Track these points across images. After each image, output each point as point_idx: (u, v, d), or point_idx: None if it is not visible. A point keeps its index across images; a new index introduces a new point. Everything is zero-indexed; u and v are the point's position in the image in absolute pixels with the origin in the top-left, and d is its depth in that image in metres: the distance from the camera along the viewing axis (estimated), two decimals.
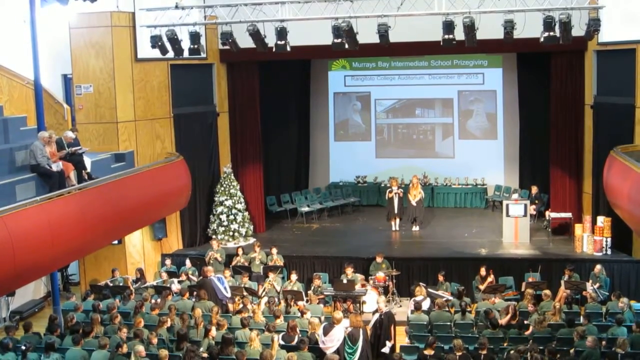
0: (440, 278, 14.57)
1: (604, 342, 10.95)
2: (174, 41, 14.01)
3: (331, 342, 11.02)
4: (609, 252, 15.61)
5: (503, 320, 12.12)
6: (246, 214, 18.08)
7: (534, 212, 18.04)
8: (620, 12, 14.86)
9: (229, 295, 13.79)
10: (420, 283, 14.16)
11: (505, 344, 11.27)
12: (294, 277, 14.73)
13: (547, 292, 13.29)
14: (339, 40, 13.18)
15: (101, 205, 12.50)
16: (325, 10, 13.61)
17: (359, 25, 13.16)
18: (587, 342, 10.26)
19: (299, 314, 12.54)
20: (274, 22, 13.51)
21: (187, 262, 15.91)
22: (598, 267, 14.40)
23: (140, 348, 10.27)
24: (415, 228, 18.31)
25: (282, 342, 11.08)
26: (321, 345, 11.05)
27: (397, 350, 11.50)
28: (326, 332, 11.12)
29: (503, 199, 18.76)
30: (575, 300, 13.31)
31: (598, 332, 11.33)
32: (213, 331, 11.10)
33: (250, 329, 11.45)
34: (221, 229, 17.65)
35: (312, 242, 17.78)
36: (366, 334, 11.26)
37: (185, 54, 14.44)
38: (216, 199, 17.85)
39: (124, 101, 15.93)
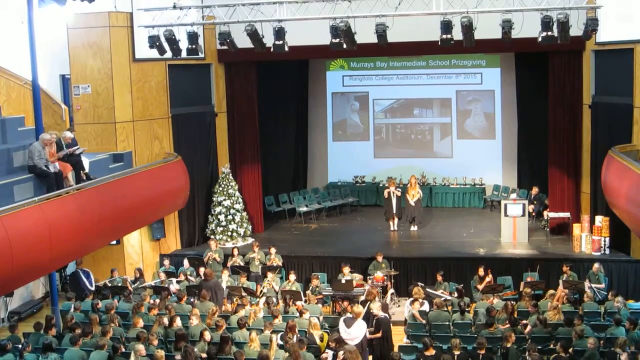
0: (439, 278, 14.58)
1: (602, 342, 10.97)
2: (172, 41, 14.00)
3: (355, 334, 11.14)
4: (607, 251, 15.63)
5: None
6: (244, 214, 18.08)
7: (532, 212, 18.04)
8: (618, 11, 14.87)
9: (92, 288, 14.61)
10: (419, 283, 14.16)
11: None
12: (292, 277, 14.73)
13: (552, 291, 13.31)
14: (337, 40, 13.18)
15: (99, 206, 12.50)
16: (323, 10, 13.62)
17: (357, 25, 13.16)
18: (589, 344, 10.27)
19: (298, 314, 12.54)
20: (272, 22, 13.51)
21: (185, 262, 15.91)
22: (596, 265, 14.41)
23: (141, 347, 10.30)
24: (414, 228, 18.32)
25: (280, 342, 11.08)
26: (345, 337, 11.09)
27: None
28: (349, 324, 11.21)
29: (501, 198, 18.79)
30: (574, 299, 13.31)
31: (597, 332, 11.35)
32: (207, 335, 11.03)
33: (249, 329, 11.46)
34: (219, 229, 17.65)
35: (311, 242, 17.78)
36: (363, 324, 11.32)
37: (183, 54, 14.43)
38: (214, 199, 17.85)
39: (122, 101, 15.92)
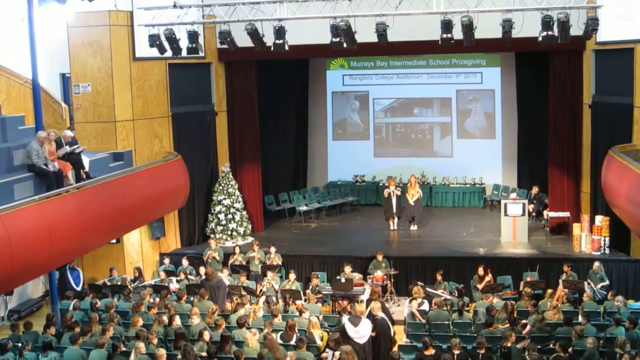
0: (439, 277, 14.58)
1: (601, 342, 10.97)
2: (172, 40, 14.00)
3: (363, 332, 11.21)
4: (607, 251, 15.62)
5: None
6: (244, 213, 18.08)
7: (532, 212, 18.05)
8: (618, 11, 14.86)
9: (78, 288, 14.73)
10: (418, 282, 14.16)
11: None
12: (292, 276, 14.71)
13: (550, 290, 13.32)
14: (337, 39, 13.17)
15: (99, 205, 12.50)
16: (323, 9, 13.61)
17: (357, 24, 13.16)
18: (588, 344, 10.27)
19: (297, 313, 12.54)
20: (272, 21, 13.51)
21: (184, 261, 15.89)
22: (596, 264, 14.42)
23: (141, 345, 10.32)
24: (414, 227, 18.32)
25: (280, 341, 11.08)
26: (354, 336, 11.16)
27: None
28: (356, 323, 11.26)
29: (501, 198, 18.79)
30: (574, 299, 13.33)
31: (596, 332, 11.35)
32: (206, 335, 11.02)
33: (248, 328, 11.46)
34: (219, 228, 17.64)
35: (310, 241, 17.78)
36: (369, 322, 11.41)
37: (184, 53, 14.43)
38: (214, 198, 17.85)
39: (122, 100, 15.91)
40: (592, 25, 12.81)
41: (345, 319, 11.75)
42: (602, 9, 13.51)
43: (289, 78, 20.93)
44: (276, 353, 10.23)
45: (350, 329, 11.26)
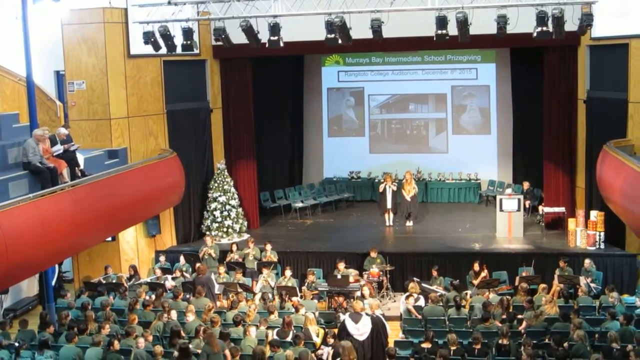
0: (434, 273, 14.61)
1: (597, 336, 11.01)
2: (167, 37, 13.96)
3: (363, 329, 11.29)
4: (602, 246, 15.67)
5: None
6: (240, 210, 18.06)
7: (527, 207, 18.08)
8: (613, 7, 14.87)
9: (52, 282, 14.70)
10: (414, 278, 14.18)
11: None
12: (288, 273, 14.72)
13: (543, 285, 13.36)
14: (332, 35, 13.16)
15: (94, 202, 12.48)
16: (318, 5, 13.60)
17: (352, 20, 13.15)
18: (576, 335, 10.30)
19: (294, 310, 12.55)
20: (267, 18, 13.49)
21: (181, 258, 15.89)
22: (587, 261, 14.45)
23: (140, 340, 10.36)
24: (409, 223, 18.33)
25: (276, 338, 11.09)
26: (354, 333, 11.22)
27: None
28: (356, 320, 11.32)
29: (497, 193, 18.82)
30: (569, 294, 13.36)
31: (591, 327, 11.39)
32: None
33: (244, 325, 11.47)
34: (215, 225, 17.63)
35: (306, 237, 17.78)
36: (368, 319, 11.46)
37: (178, 50, 14.39)
38: (210, 195, 17.83)
39: (117, 97, 15.88)
40: (587, 20, 12.84)
41: (345, 315, 11.76)
42: (596, 4, 13.52)
43: (284, 75, 20.91)
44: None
45: (350, 326, 11.29)
